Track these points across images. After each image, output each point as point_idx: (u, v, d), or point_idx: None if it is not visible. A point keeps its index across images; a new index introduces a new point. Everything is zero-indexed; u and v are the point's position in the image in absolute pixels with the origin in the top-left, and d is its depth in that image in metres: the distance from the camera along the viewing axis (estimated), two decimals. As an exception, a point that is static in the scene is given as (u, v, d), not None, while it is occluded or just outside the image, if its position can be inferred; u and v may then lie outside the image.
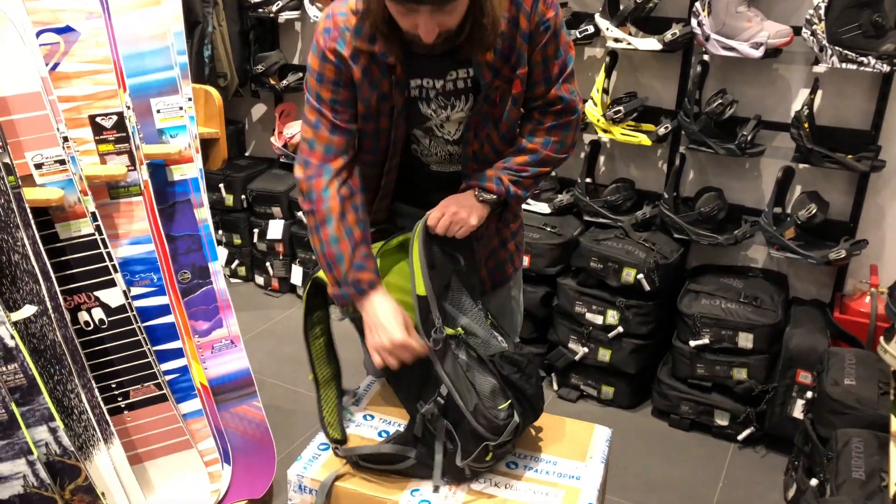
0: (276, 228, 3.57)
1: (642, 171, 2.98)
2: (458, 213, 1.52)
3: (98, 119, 1.79)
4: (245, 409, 2.19)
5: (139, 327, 1.90)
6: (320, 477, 1.59)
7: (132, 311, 1.88)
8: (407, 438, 1.55)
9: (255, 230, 3.63)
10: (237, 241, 3.72)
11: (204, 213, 2.04)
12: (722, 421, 2.62)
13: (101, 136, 1.81)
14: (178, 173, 1.99)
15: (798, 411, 2.44)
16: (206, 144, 2.10)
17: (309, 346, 1.74)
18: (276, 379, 2.98)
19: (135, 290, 1.94)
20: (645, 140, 2.71)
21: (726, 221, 2.70)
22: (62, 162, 1.68)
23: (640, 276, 2.61)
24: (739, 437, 2.59)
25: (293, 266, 3.60)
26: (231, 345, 2.14)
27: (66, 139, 1.66)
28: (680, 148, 2.79)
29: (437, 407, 1.47)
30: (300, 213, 3.47)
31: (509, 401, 1.50)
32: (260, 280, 3.74)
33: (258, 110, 3.92)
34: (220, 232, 3.74)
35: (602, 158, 3.03)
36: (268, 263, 3.65)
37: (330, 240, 1.47)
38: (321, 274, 1.66)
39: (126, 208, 1.88)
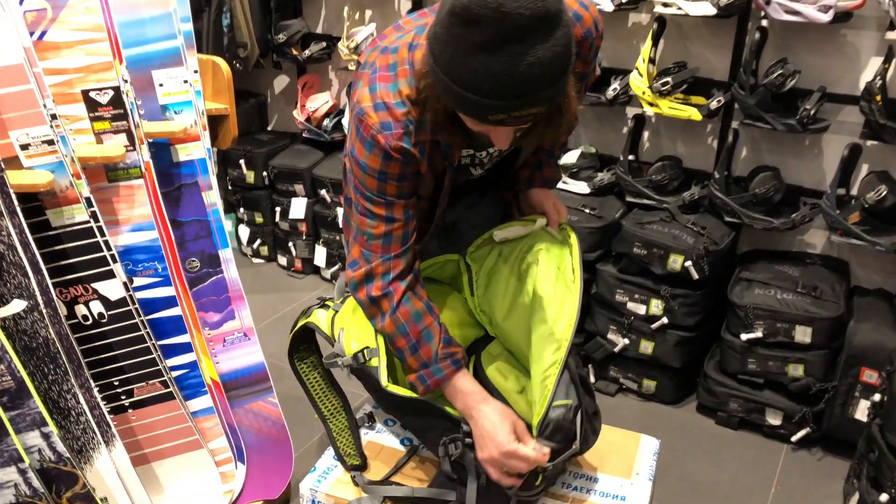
0: (298, 207, 3.41)
1: (690, 147, 2.77)
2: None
3: (92, 94, 1.63)
4: (260, 405, 2.07)
5: (142, 321, 1.76)
6: (335, 492, 1.47)
7: (134, 303, 1.73)
8: (442, 480, 1.41)
9: (278, 208, 3.49)
10: (259, 219, 3.58)
11: (213, 197, 1.89)
12: (774, 420, 2.43)
13: (97, 114, 1.64)
14: (183, 153, 1.83)
15: (861, 413, 2.25)
16: (215, 121, 1.95)
17: (304, 383, 1.63)
18: (298, 367, 2.84)
19: (138, 281, 1.80)
20: (695, 114, 2.49)
21: (783, 204, 2.48)
22: (51, 142, 1.52)
23: (689, 263, 2.40)
24: (793, 439, 2.40)
25: (317, 246, 3.45)
26: (244, 337, 2.01)
27: (54, 116, 1.50)
28: (733, 123, 2.57)
29: (463, 444, 1.35)
30: (323, 192, 3.31)
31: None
32: (282, 260, 3.60)
33: (280, 82, 3.75)
34: (242, 210, 3.61)
35: (647, 134, 2.83)
36: (290, 243, 3.51)
37: (413, 316, 1.36)
38: (315, 318, 1.56)
39: (126, 192, 1.73)
